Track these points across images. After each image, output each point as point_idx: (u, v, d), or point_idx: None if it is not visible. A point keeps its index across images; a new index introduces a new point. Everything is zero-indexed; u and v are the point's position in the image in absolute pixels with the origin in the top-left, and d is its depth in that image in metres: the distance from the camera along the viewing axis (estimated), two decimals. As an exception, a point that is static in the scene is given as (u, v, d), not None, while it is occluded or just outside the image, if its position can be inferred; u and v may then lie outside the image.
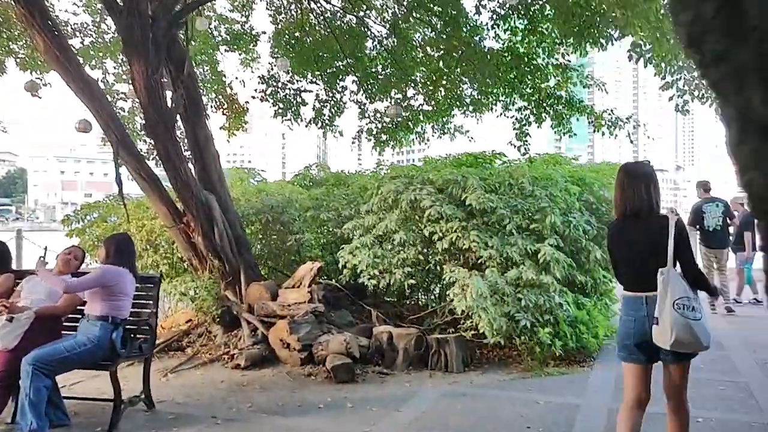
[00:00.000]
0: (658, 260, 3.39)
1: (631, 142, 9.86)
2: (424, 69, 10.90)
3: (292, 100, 11.36)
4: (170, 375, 6.37)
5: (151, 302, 5.39)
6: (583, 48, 8.76)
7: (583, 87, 9.76)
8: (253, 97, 11.28)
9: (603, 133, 9.57)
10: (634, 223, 3.57)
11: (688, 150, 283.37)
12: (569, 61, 8.80)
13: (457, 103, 10.32)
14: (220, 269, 7.57)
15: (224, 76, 11.19)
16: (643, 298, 3.45)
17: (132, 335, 5.10)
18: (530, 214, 6.97)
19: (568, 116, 9.62)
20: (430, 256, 7.06)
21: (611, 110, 9.65)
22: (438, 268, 7.00)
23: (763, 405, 5.28)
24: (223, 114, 11.40)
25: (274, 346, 6.71)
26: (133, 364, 5.93)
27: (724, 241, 10.10)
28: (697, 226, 9.92)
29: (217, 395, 5.73)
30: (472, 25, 9.50)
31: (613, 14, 6.43)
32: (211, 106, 11.18)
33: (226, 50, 11.23)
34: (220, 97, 11.25)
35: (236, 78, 11.51)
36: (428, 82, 10.59)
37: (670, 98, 7.30)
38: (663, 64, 7.05)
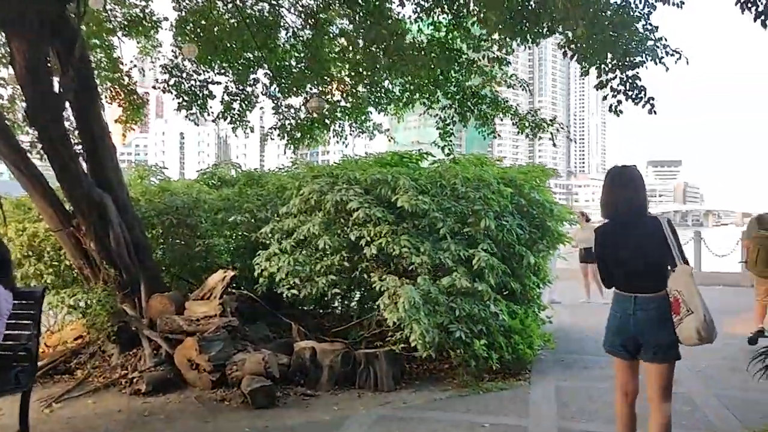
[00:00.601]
0: (647, 262, 3.52)
1: (554, 144, 9.68)
2: (340, 64, 10.31)
3: (198, 92, 10.46)
4: (55, 405, 5.43)
5: (31, 322, 4.49)
6: (510, 45, 8.47)
7: (507, 87, 9.47)
8: (155, 87, 10.30)
9: (527, 135, 9.33)
10: (624, 225, 3.64)
11: (578, 156, 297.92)
12: (504, 57, 8.42)
13: (379, 99, 9.78)
14: (117, 279, 6.67)
15: (122, 62, 10.13)
16: (632, 298, 3.53)
17: (6, 364, 4.20)
18: (463, 217, 6.53)
19: (492, 116, 9.31)
20: (357, 263, 6.47)
21: (535, 112, 9.44)
22: (365, 275, 6.42)
23: (712, 418, 5.05)
24: (120, 105, 10.33)
25: (181, 367, 5.90)
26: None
27: None
28: None
29: (114, 429, 4.89)
30: (394, 18, 8.99)
31: (554, 4, 6.06)
32: (106, 97, 10.08)
33: (123, 35, 10.16)
34: (116, 86, 10.17)
35: (134, 66, 10.46)
36: (347, 77, 9.99)
37: (604, 98, 7.07)
38: (598, 62, 6.79)
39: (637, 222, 3.61)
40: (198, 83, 10.43)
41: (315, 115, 10.11)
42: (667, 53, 7.45)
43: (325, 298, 6.88)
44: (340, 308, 7.18)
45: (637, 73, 6.91)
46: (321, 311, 7.49)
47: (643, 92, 6.93)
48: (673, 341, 3.44)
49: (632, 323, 3.52)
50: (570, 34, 6.91)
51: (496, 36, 8.43)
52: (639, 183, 3.67)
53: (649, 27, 6.88)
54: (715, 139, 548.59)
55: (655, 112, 6.97)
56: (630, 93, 6.90)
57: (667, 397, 3.55)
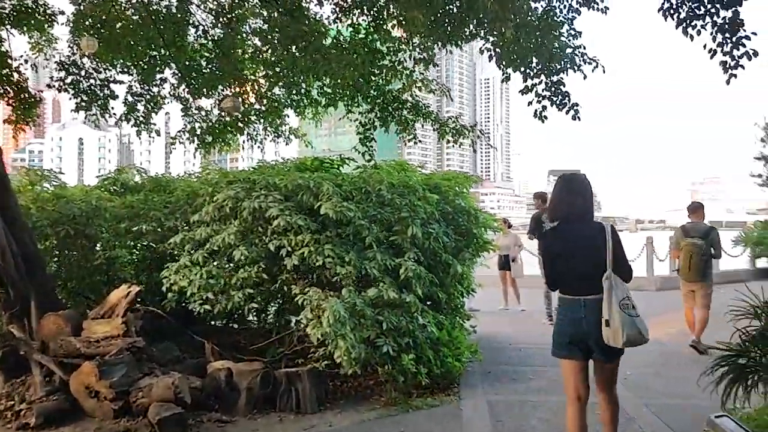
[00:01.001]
0: (596, 265, 3.63)
1: (474, 151, 9.55)
2: (254, 65, 9.81)
3: (98, 91, 9.68)
4: (-76, 446, 4.69)
5: None
6: (431, 49, 8.27)
7: (429, 92, 9.28)
8: (49, 86, 9.44)
9: (448, 141, 9.16)
10: (573, 230, 3.80)
11: (484, 164, 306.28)
12: (429, 59, 8.18)
13: (297, 102, 9.36)
14: (2, 296, 5.93)
15: (10, 57, 9.20)
16: (581, 301, 3.67)
17: None
18: (389, 225, 6.22)
19: (413, 122, 9.08)
20: (277, 275, 6.03)
21: (456, 118, 9.29)
22: (286, 288, 5.98)
23: (647, 430, 4.95)
24: (8, 104, 9.38)
25: (78, 395, 5.26)
26: None
27: None
28: (535, 236, 9.93)
29: (-4, 473, 4.24)
30: (312, 18, 8.61)
31: (483, 6, 5.87)
32: (-8, 95, 9.15)
33: (12, 27, 9.23)
34: (4, 83, 9.23)
35: (26, 61, 9.55)
36: (262, 78, 9.50)
37: (529, 103, 6.97)
38: (523, 67, 6.69)
39: (585, 227, 3.80)
40: (98, 82, 9.66)
41: (228, 117, 9.55)
42: (584, 61, 7.45)
43: (242, 313, 6.38)
44: (258, 323, 6.69)
45: (562, 78, 6.87)
46: (237, 327, 6.97)
47: (567, 98, 6.89)
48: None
49: (584, 325, 3.65)
50: (494, 39, 6.79)
51: (417, 40, 8.24)
52: (588, 190, 3.89)
53: (573, 32, 6.86)
54: (612, 147, 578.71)
55: (579, 118, 6.96)
56: (555, 99, 6.85)
57: (615, 383, 3.87)
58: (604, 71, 7.63)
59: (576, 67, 7.31)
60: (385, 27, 8.43)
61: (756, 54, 5.43)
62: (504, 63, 7.05)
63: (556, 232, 3.93)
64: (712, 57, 5.67)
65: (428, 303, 6.46)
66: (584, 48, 7.56)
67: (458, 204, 7.17)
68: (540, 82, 6.79)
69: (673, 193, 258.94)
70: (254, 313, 6.62)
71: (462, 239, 7.07)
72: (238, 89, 9.71)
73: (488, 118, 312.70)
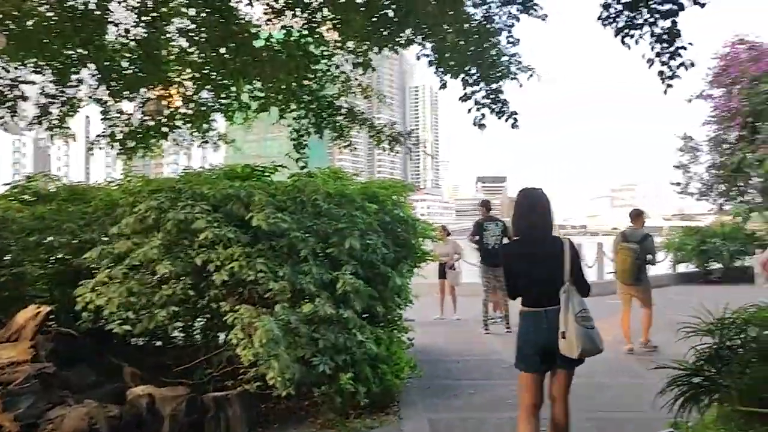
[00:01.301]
0: (556, 278, 3.78)
1: (411, 159, 9.38)
2: (180, 67, 9.31)
3: (7, 92, 8.97)
4: None
5: None
6: (366, 53, 8.04)
7: (365, 98, 9.04)
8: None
9: (384, 149, 8.94)
10: (534, 244, 3.96)
11: (414, 171, 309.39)
12: (368, 63, 7.92)
13: (226, 106, 8.92)
14: None
15: None
16: (543, 312, 3.82)
17: None
18: (326, 237, 5.91)
19: (348, 128, 8.81)
20: (204, 291, 5.61)
21: (392, 124, 9.09)
22: (214, 305, 5.58)
23: None
24: None
25: (-22, 430, 4.70)
26: None
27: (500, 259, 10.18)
28: (477, 238, 10.19)
29: None
30: (243, 19, 8.22)
31: (425, 10, 5.67)
32: None
33: None
34: None
35: None
36: (189, 81, 9.02)
37: (469, 110, 6.83)
38: (463, 74, 6.54)
39: (545, 240, 3.97)
40: (7, 82, 8.95)
41: (152, 121, 9.01)
42: (520, 69, 7.39)
43: (168, 335, 5.94)
44: (183, 343, 6.24)
45: (501, 86, 6.78)
46: (161, 345, 6.50)
47: (506, 106, 6.80)
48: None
49: (546, 335, 3.78)
50: (433, 44, 6.62)
51: (352, 44, 8.00)
52: (548, 205, 4.03)
53: (512, 40, 6.78)
54: (538, 154, 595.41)
55: (517, 126, 6.88)
56: (494, 107, 6.74)
57: (569, 393, 3.98)
58: (539, 80, 7.60)
59: (512, 76, 7.24)
60: (318, 30, 8.14)
61: (692, 65, 5.46)
62: (443, 69, 6.90)
63: (517, 245, 4.15)
64: (650, 66, 5.68)
65: (366, 317, 6.20)
66: (520, 56, 7.51)
67: (396, 213, 6.94)
68: (480, 89, 6.65)
69: (592, 200, 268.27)
70: (182, 334, 6.20)
71: (401, 250, 6.84)
72: (162, 92, 9.18)
73: (417, 125, 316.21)
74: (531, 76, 7.52)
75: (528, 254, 3.97)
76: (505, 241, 9.96)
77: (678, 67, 5.46)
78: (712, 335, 3.64)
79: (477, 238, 10.23)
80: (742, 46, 20.99)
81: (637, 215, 8.76)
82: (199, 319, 6.13)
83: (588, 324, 3.69)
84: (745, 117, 20.59)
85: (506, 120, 6.76)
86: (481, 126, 6.80)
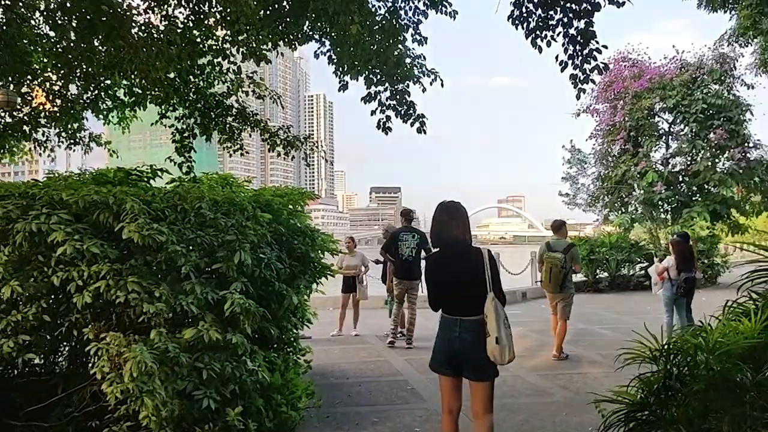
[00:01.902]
0: (474, 288, 3.89)
1: (308, 165, 8.74)
2: (44, 58, 8.23)
3: None
4: None
5: None
6: (258, 49, 7.37)
7: (257, 98, 8.32)
8: None
9: (279, 154, 8.27)
10: (452, 255, 4.05)
11: (308, 181, 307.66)
12: (263, 56, 7.22)
13: (97, 103, 7.94)
14: None
15: None
16: (458, 321, 3.94)
17: None
18: (212, 250, 5.18)
19: (239, 130, 8.07)
20: (64, 316, 4.74)
21: (288, 128, 8.44)
22: (75, 332, 4.71)
23: None
24: None
25: None
26: None
27: (417, 271, 9.95)
28: (392, 249, 9.92)
29: None
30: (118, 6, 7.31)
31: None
32: None
33: None
34: None
35: None
36: (53, 74, 7.97)
37: (372, 112, 6.31)
38: (366, 72, 6.01)
39: (464, 252, 4.05)
40: None
41: (10, 117, 7.88)
42: (423, 73, 6.99)
43: (18, 368, 4.99)
44: (38, 378, 5.28)
45: (407, 86, 6.31)
46: (13, 379, 5.49)
47: (412, 109, 6.34)
48: (489, 359, 3.82)
49: (457, 344, 3.92)
50: (334, 39, 6.05)
51: (243, 37, 7.30)
52: (466, 217, 4.17)
53: (418, 38, 6.33)
54: (431, 162, 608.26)
55: (424, 131, 6.43)
56: (399, 109, 6.26)
57: (490, 409, 3.97)
58: (442, 85, 7.23)
59: (415, 79, 6.81)
60: (207, 22, 7.39)
61: (606, 67, 5.22)
62: (343, 69, 6.35)
63: (436, 257, 4.20)
64: (563, 70, 5.40)
65: (257, 340, 5.52)
66: (424, 58, 7.11)
67: (293, 224, 6.30)
68: (385, 89, 6.15)
69: (481, 210, 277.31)
70: (36, 367, 5.25)
71: (298, 264, 6.20)
72: (23, 86, 8.06)
73: (312, 134, 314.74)
74: (434, 80, 7.14)
75: (447, 265, 4.04)
76: (423, 252, 9.76)
77: (592, 71, 5.20)
78: (656, 362, 3.27)
79: (392, 249, 9.92)
80: (625, 63, 21.92)
81: (559, 226, 9.09)
82: (59, 350, 5.21)
83: (510, 332, 3.83)
84: (628, 131, 21.49)
85: (412, 124, 6.30)
86: (387, 129, 6.32)
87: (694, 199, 21.29)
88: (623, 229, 22.24)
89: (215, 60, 7.51)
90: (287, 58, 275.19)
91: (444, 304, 4.06)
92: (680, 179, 21.88)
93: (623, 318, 12.31)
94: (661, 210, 22.16)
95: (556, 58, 5.30)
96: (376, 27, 5.84)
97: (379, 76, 6.30)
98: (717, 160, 21.05)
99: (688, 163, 21.79)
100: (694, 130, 20.63)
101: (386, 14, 5.97)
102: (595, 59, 5.17)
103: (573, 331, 9.55)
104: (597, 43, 5.13)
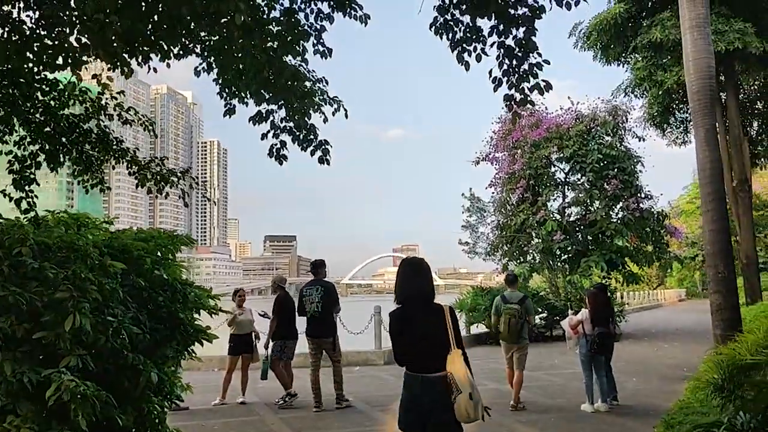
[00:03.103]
0: (436, 344, 3.85)
1: (186, 205, 7.37)
2: None
3: None
4: None
5: None
6: (126, 63, 6.06)
7: (123, 123, 6.92)
8: None
9: (150, 190, 6.90)
10: (415, 310, 4.01)
11: (200, 228, 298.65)
12: (126, 70, 5.85)
13: None
14: None
15: None
16: (420, 378, 3.88)
17: None
18: (35, 313, 3.77)
19: (100, 161, 6.65)
20: None
21: (161, 160, 7.08)
22: None
23: None
24: None
25: None
26: None
27: (326, 328, 9.13)
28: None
29: None
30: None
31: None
32: None
33: None
34: None
35: None
36: None
37: (263, 136, 5.16)
38: (254, 87, 4.86)
39: (426, 308, 3.98)
40: None
41: None
42: (324, 100, 5.95)
43: None
44: None
45: (307, 107, 5.22)
46: None
47: (313, 134, 5.25)
48: (454, 418, 3.70)
49: (419, 402, 3.84)
50: (214, 44, 4.89)
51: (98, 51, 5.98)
52: (430, 274, 4.12)
53: (322, 49, 5.29)
54: (325, 214, 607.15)
55: (327, 161, 5.33)
56: (297, 133, 5.15)
57: None
58: (346, 116, 6.21)
59: (315, 107, 5.75)
60: (62, 29, 6.02)
61: (549, 87, 4.36)
62: (230, 88, 5.18)
63: (400, 313, 4.06)
64: (496, 89, 4.50)
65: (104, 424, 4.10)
66: (326, 82, 6.06)
67: (158, 276, 4.95)
68: (279, 107, 5.02)
69: (377, 259, 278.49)
70: None
71: (162, 328, 4.82)
72: None
73: (206, 181, 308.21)
74: (338, 109, 6.13)
75: (409, 320, 3.99)
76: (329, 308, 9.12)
77: (532, 90, 4.31)
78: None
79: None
80: (523, 113, 22.02)
81: (513, 279, 9.58)
82: None
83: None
84: (527, 180, 21.40)
85: (313, 152, 5.20)
86: (281, 158, 5.17)
87: (590, 248, 21.34)
88: (522, 279, 21.94)
89: (71, 74, 6.12)
90: (180, 103, 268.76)
91: (406, 360, 3.97)
92: (577, 228, 21.97)
93: (534, 374, 11.54)
94: (559, 259, 22.09)
95: (490, 73, 4.42)
96: (268, 28, 4.76)
97: (272, 93, 5.18)
98: (611, 211, 21.31)
99: (584, 212, 21.94)
100: (590, 180, 20.80)
101: (281, 16, 4.92)
102: (536, 76, 4.31)
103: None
104: (539, 56, 4.28)
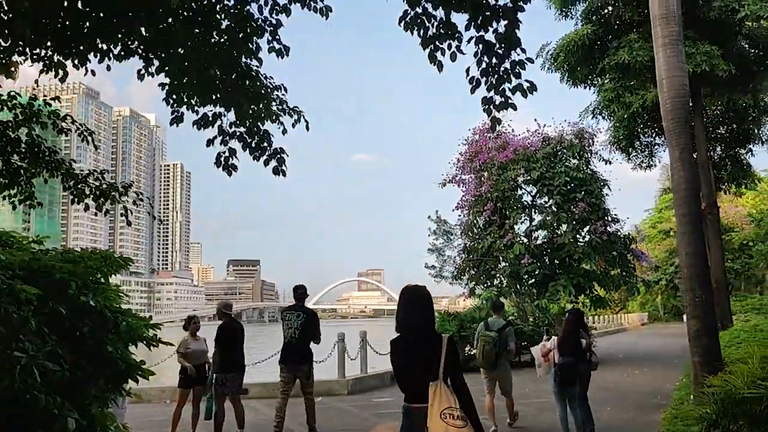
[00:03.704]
0: (429, 374, 3.80)
1: (129, 224, 6.68)
2: None
3: None
4: None
5: None
6: (60, 65, 5.44)
7: (57, 132, 6.24)
8: None
9: (87, 207, 6.23)
10: (415, 340, 3.97)
11: (162, 253, 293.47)
12: (61, 73, 5.21)
13: None
14: None
15: None
16: (410, 408, 3.86)
17: None
18: None
19: (29, 174, 5.96)
20: None
21: (101, 173, 6.42)
22: None
23: None
24: None
25: None
26: None
27: (302, 356, 8.73)
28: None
29: None
30: None
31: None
32: None
33: None
34: None
35: None
36: None
37: (209, 142, 4.56)
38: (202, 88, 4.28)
39: (424, 337, 3.95)
40: None
41: None
42: (283, 110, 5.40)
43: None
44: None
45: (260, 113, 4.65)
46: None
47: (267, 141, 4.67)
48: None
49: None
50: (156, 55, 4.32)
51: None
52: (431, 302, 4.06)
53: (278, 47, 4.73)
54: (293, 236, 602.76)
55: (283, 173, 4.76)
56: (249, 140, 4.57)
57: None
58: (307, 128, 5.67)
59: (273, 116, 5.19)
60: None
61: (533, 89, 3.86)
62: (173, 84, 4.59)
63: (400, 341, 4.04)
64: (474, 90, 3.99)
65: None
66: (285, 90, 5.52)
67: (84, 302, 4.27)
68: (229, 110, 4.44)
69: (341, 283, 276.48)
70: None
71: (87, 364, 4.14)
72: None
73: (167, 205, 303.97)
74: (298, 120, 5.57)
75: (406, 350, 3.98)
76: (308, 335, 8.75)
77: (514, 91, 3.82)
78: None
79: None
80: (489, 134, 21.75)
81: (501, 306, 9.69)
82: None
83: (454, 422, 3.63)
84: (494, 203, 21.06)
85: (267, 162, 4.62)
86: (230, 168, 4.58)
87: (558, 272, 21.00)
88: (490, 304, 21.47)
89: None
90: (143, 125, 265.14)
91: (407, 391, 3.95)
92: (544, 252, 21.66)
93: (503, 404, 10.98)
94: (527, 283, 21.69)
95: (467, 72, 3.91)
96: (214, 19, 4.19)
97: (219, 93, 4.59)
98: (579, 234, 21.06)
99: (552, 236, 21.65)
100: (558, 202, 20.54)
101: (231, 8, 4.35)
102: (518, 75, 3.82)
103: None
104: (523, 52, 3.79)
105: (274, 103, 5.45)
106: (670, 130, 9.70)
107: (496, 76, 3.87)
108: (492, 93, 3.90)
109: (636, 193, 66.40)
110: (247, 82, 4.51)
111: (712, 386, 5.70)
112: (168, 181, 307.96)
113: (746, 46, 16.40)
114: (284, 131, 5.57)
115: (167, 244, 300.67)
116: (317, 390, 13.23)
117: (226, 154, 4.60)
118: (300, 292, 9.22)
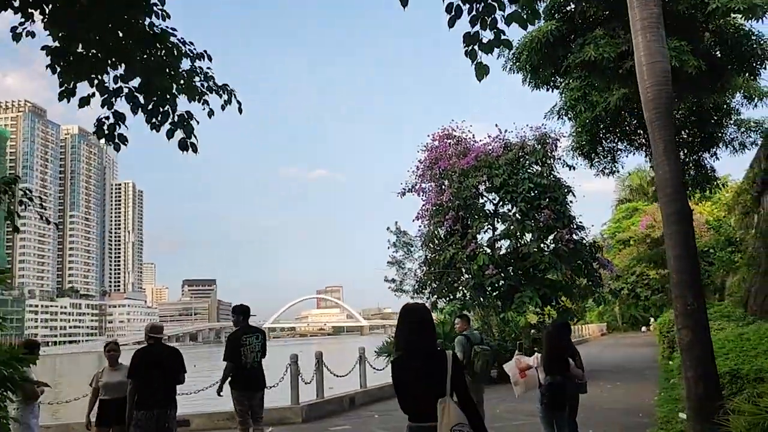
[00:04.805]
0: (434, 393, 3.80)
1: (16, 230, 5.33)
2: None
3: None
4: None
5: None
6: None
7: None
8: None
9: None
10: (416, 359, 3.92)
11: (114, 275, 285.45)
12: None
13: None
14: None
15: None
16: (416, 428, 3.86)
17: None
18: None
19: None
20: None
21: (13, 179, 5.11)
22: None
23: None
24: None
25: None
26: None
27: (262, 380, 8.25)
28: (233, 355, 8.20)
29: None
30: None
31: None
32: None
33: None
34: None
35: None
36: None
37: (82, 103, 3.35)
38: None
39: (427, 355, 3.91)
40: None
41: None
42: (210, 89, 4.25)
43: None
44: None
45: (161, 64, 3.47)
46: None
47: (169, 104, 3.50)
48: None
49: None
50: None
51: None
52: (431, 321, 4.07)
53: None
54: (249, 255, 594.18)
55: (194, 148, 3.59)
56: (144, 101, 3.39)
57: None
58: (240, 111, 4.53)
59: (195, 96, 4.02)
60: None
61: (537, 16, 2.79)
62: (56, 48, 3.38)
63: (402, 362, 4.01)
64: (453, 22, 2.89)
65: None
66: (210, 59, 4.38)
67: None
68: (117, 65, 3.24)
69: (300, 301, 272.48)
70: None
71: None
72: None
73: (119, 225, 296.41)
74: (228, 101, 4.43)
75: (410, 369, 3.90)
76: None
77: (509, 23, 2.73)
78: None
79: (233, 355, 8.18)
80: (450, 141, 20.83)
81: (468, 320, 9.54)
82: None
83: None
84: (456, 211, 20.08)
85: (170, 133, 3.45)
86: (118, 141, 3.37)
87: (523, 282, 20.07)
88: (452, 318, 20.41)
89: None
90: (93, 144, 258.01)
91: (408, 410, 3.90)
92: (509, 262, 20.73)
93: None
94: (491, 295, 20.69)
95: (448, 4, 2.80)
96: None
97: (116, 55, 3.39)
98: (543, 243, 20.21)
99: (516, 245, 20.75)
100: (522, 210, 19.65)
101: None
102: (515, 0, 2.72)
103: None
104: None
105: (197, 78, 4.30)
106: (651, 122, 8.80)
107: (483, 2, 2.78)
108: (477, 27, 2.80)
109: (592, 205, 66.51)
110: (149, 42, 3.31)
111: (739, 412, 4.71)
112: (119, 200, 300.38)
113: (713, 43, 15.83)
114: (211, 113, 4.44)
115: (119, 265, 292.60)
116: (268, 418, 11.87)
117: (111, 120, 3.39)
118: (247, 313, 8.65)
